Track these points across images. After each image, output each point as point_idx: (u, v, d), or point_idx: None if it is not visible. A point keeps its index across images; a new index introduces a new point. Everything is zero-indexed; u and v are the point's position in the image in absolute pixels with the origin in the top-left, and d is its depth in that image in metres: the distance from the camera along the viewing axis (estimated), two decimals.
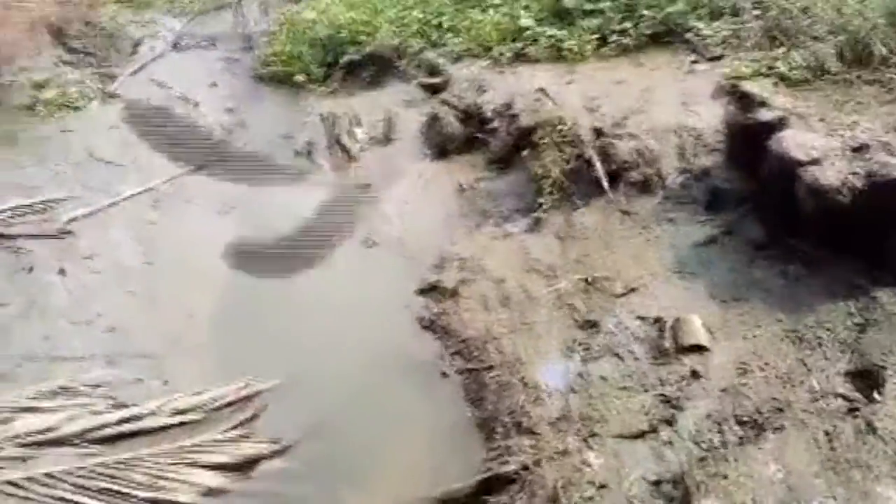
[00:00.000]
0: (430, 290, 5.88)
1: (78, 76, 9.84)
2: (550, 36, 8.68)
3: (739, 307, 4.76)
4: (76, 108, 9.21)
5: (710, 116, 6.28)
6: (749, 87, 5.80)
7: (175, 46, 12.39)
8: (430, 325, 5.56)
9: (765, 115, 5.46)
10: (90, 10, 11.24)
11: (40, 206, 6.85)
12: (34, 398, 4.69)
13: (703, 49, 7.56)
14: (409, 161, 8.05)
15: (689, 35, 7.76)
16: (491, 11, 9.63)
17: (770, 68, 6.61)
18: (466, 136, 7.92)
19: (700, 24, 7.73)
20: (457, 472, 4.31)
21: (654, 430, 4.07)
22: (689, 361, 4.41)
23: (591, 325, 4.93)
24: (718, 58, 7.35)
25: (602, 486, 3.83)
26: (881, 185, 4.61)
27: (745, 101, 5.61)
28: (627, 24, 8.31)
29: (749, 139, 5.45)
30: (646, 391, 4.33)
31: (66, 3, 11.15)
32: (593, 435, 4.14)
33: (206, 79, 11.15)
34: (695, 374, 4.32)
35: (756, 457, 3.71)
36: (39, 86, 9.39)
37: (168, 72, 11.04)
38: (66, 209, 6.88)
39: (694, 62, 7.42)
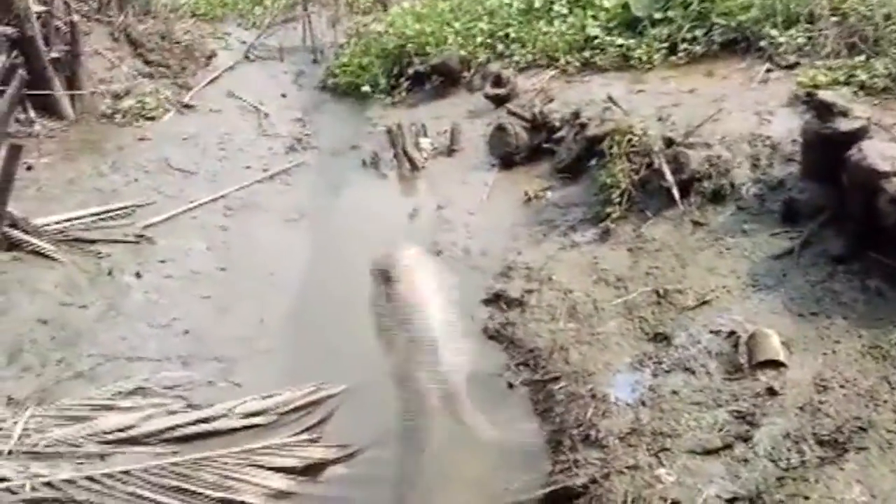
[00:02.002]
0: (496, 299, 5.86)
1: (155, 87, 10.18)
2: (619, 45, 8.63)
3: (817, 322, 4.60)
4: (153, 118, 9.53)
5: (785, 126, 6.13)
6: (827, 95, 5.61)
7: (246, 58, 12.76)
8: (495, 335, 5.53)
9: (844, 124, 5.28)
10: (168, 24, 11.62)
11: (119, 211, 7.09)
12: (112, 397, 4.82)
13: (777, 57, 7.39)
14: (474, 171, 8.08)
15: (762, 43, 7.60)
16: (557, 22, 9.64)
17: (849, 77, 6.44)
18: (532, 146, 7.91)
19: (774, 32, 7.56)
20: (523, 484, 4.27)
21: (728, 446, 3.95)
22: (765, 377, 4.27)
23: (662, 339, 4.83)
24: (793, 66, 7.18)
25: (675, 503, 3.73)
26: None
27: (823, 110, 5.43)
28: (698, 33, 8.21)
29: (827, 149, 5.28)
30: (719, 407, 4.21)
31: (146, 18, 11.56)
32: (665, 450, 4.04)
33: (276, 90, 11.44)
34: (771, 391, 4.18)
35: (838, 478, 3.56)
36: (118, 96, 9.74)
37: (240, 83, 11.35)
38: (142, 215, 7.10)
39: (768, 70, 7.26)
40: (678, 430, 4.15)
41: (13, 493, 3.93)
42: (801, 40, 7.36)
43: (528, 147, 7.91)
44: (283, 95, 11.25)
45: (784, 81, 6.90)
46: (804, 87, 6.43)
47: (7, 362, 5.06)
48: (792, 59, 7.26)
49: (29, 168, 7.68)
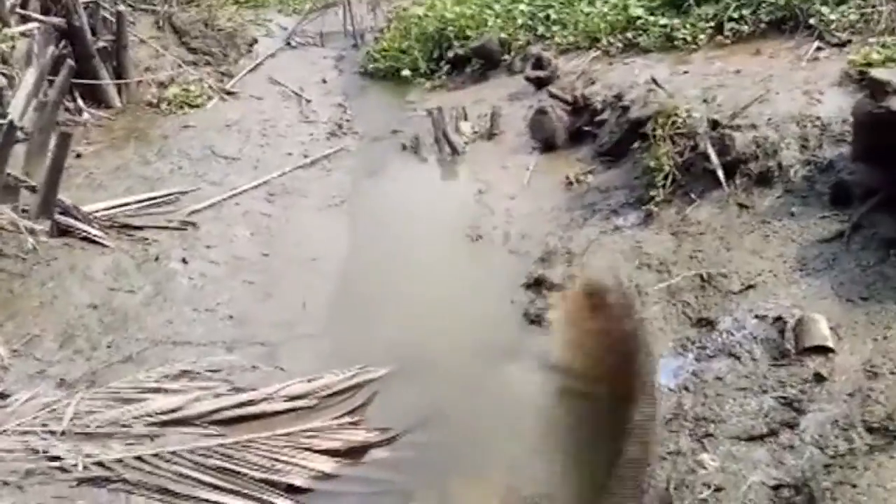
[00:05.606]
0: (536, 284, 5.82)
1: (198, 75, 10.31)
2: (663, 25, 8.48)
3: (868, 307, 4.47)
4: (196, 106, 9.66)
5: (836, 106, 5.95)
6: (881, 73, 5.42)
7: (287, 44, 12.85)
8: (536, 320, 5.51)
9: None
10: (211, 12, 11.74)
11: (165, 198, 7.22)
12: (160, 380, 4.93)
13: (827, 35, 7.17)
14: (515, 154, 8.03)
15: (811, 21, 7.39)
16: (599, 3, 9.51)
17: None
18: (574, 129, 7.83)
19: (825, 10, 7.34)
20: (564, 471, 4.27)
21: (773, 433, 3.88)
22: (813, 363, 4.18)
23: (706, 323, 4.76)
24: (845, 44, 6.97)
25: (718, 489, 3.68)
26: None
27: (876, 89, 5.25)
28: (745, 11, 8.01)
29: (880, 129, 5.10)
30: (765, 393, 4.14)
31: (189, 6, 11.71)
32: (708, 436, 3.99)
33: (317, 75, 11.51)
34: (819, 377, 4.09)
35: (888, 465, 3.48)
36: (163, 85, 9.90)
37: (281, 69, 11.45)
38: (187, 202, 7.22)
39: (818, 49, 7.05)
40: (722, 415, 4.09)
41: (66, 471, 4.05)
42: (852, 17, 7.14)
43: (570, 130, 7.84)
44: (324, 81, 11.31)
45: (834, 60, 6.70)
46: (856, 66, 6.23)
47: (59, 346, 5.20)
48: (843, 36, 7.04)
49: (78, 156, 7.87)
